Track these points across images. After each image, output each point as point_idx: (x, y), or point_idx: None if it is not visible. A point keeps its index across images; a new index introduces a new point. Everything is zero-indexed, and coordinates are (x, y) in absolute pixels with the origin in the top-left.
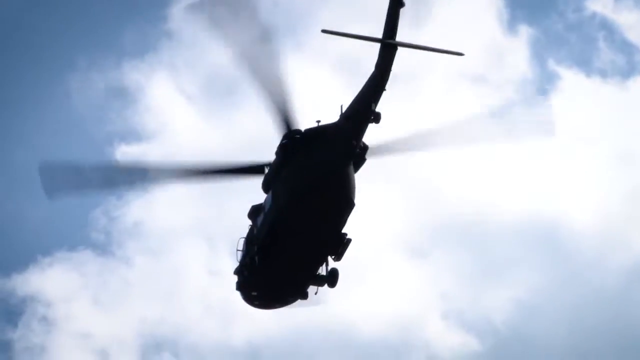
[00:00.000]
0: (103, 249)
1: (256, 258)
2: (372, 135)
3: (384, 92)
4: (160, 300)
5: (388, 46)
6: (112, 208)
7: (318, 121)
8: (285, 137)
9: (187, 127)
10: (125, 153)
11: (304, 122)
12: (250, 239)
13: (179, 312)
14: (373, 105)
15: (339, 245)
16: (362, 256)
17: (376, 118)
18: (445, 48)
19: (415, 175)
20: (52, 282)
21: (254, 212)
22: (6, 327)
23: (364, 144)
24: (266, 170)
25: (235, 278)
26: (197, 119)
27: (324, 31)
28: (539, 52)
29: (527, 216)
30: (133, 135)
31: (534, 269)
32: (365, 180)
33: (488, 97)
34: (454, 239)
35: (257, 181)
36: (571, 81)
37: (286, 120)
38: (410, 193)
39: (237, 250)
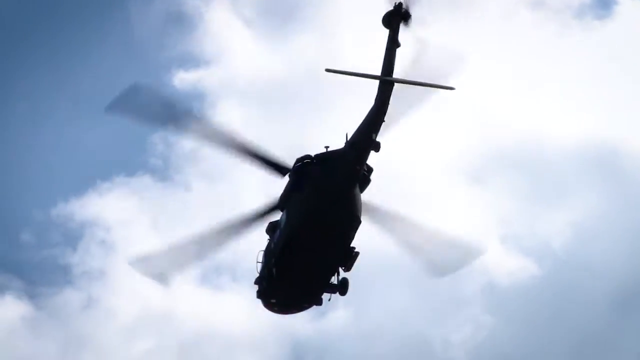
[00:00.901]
0: (161, 174)
1: (273, 270)
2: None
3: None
4: (217, 223)
5: (386, 83)
6: (170, 133)
7: (327, 147)
8: (297, 161)
9: (246, 52)
10: (183, 79)
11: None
12: (267, 253)
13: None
14: (374, 135)
15: (348, 258)
16: (421, 182)
17: (376, 147)
18: (438, 83)
19: (472, 101)
20: (111, 206)
21: (271, 228)
22: (65, 251)
23: (368, 166)
24: (287, 178)
25: (255, 287)
26: (256, 44)
27: (327, 70)
28: None
29: (586, 139)
30: (191, 61)
31: (593, 193)
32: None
33: (547, 22)
34: (512, 163)
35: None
36: (628, 6)
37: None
38: (467, 118)
39: (257, 262)
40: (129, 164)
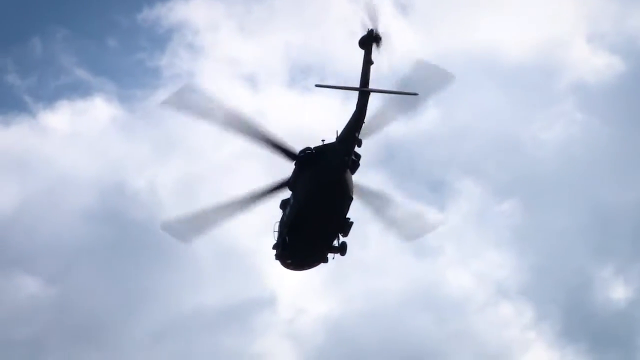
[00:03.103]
0: None
1: (286, 238)
2: None
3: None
4: (305, 26)
5: (363, 93)
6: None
7: (323, 140)
8: (301, 152)
9: None
10: None
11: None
12: (281, 224)
13: (323, 39)
14: (357, 134)
15: (345, 227)
16: None
17: (359, 143)
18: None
19: None
20: (198, 11)
21: (283, 205)
22: (154, 54)
23: (356, 154)
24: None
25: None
26: None
27: (317, 85)
28: None
29: None
30: None
31: None
32: None
33: None
34: None
35: None
36: None
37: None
38: None
39: (274, 231)
40: None
